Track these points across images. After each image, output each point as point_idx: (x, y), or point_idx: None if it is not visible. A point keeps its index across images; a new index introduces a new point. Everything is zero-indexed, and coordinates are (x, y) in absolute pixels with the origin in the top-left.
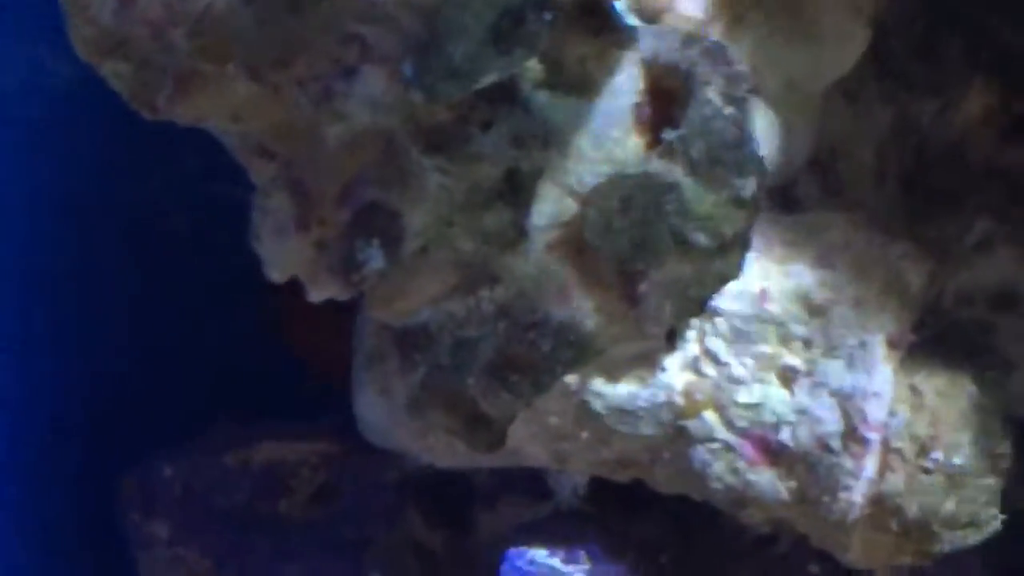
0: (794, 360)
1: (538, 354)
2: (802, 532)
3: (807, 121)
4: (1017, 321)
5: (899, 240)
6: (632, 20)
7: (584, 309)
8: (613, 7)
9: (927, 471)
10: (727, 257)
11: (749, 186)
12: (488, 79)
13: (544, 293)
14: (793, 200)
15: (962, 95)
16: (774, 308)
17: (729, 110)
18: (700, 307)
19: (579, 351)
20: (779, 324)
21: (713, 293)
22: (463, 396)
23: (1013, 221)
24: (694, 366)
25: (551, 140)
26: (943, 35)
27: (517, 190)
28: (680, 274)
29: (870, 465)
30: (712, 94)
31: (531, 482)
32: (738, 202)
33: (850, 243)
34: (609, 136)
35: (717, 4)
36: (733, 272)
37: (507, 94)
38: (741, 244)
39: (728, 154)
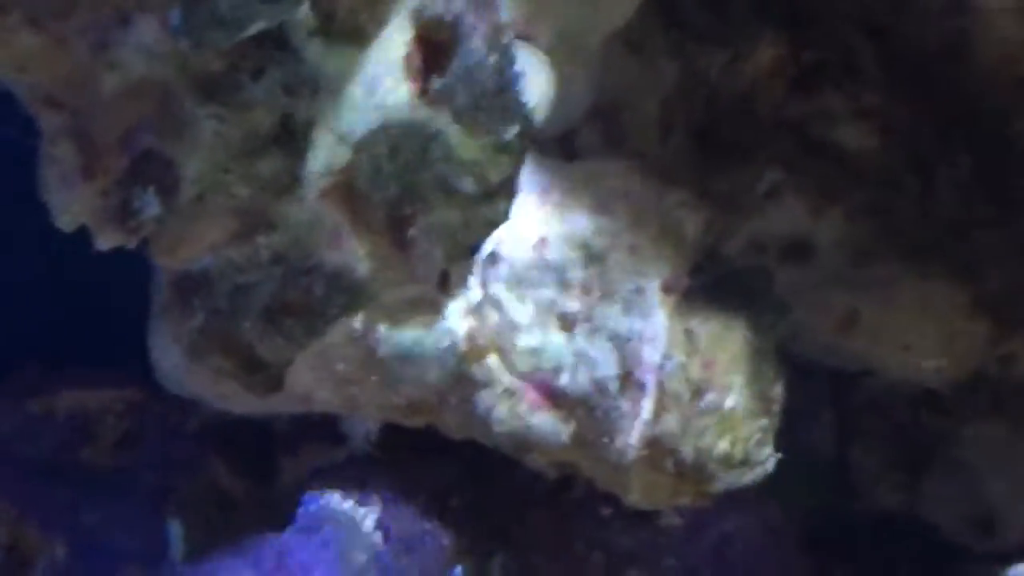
0: (573, 305)
1: (312, 299)
2: (587, 475)
3: (585, 72)
4: (799, 268)
5: (676, 188)
6: None
7: (356, 255)
8: None
9: (700, 413)
10: (493, 202)
11: (512, 133)
12: (255, 27)
13: (318, 239)
14: (574, 149)
15: (751, 47)
16: (553, 254)
17: (492, 58)
18: (470, 251)
19: (352, 296)
20: (558, 270)
21: (482, 238)
22: (239, 340)
23: (802, 171)
24: (476, 311)
25: (323, 88)
26: None
27: (291, 137)
28: (448, 219)
29: (646, 407)
30: (476, 43)
31: (329, 428)
32: (502, 148)
33: (628, 191)
34: (380, 85)
35: None
36: (500, 217)
37: (278, 43)
38: (507, 190)
39: (491, 101)
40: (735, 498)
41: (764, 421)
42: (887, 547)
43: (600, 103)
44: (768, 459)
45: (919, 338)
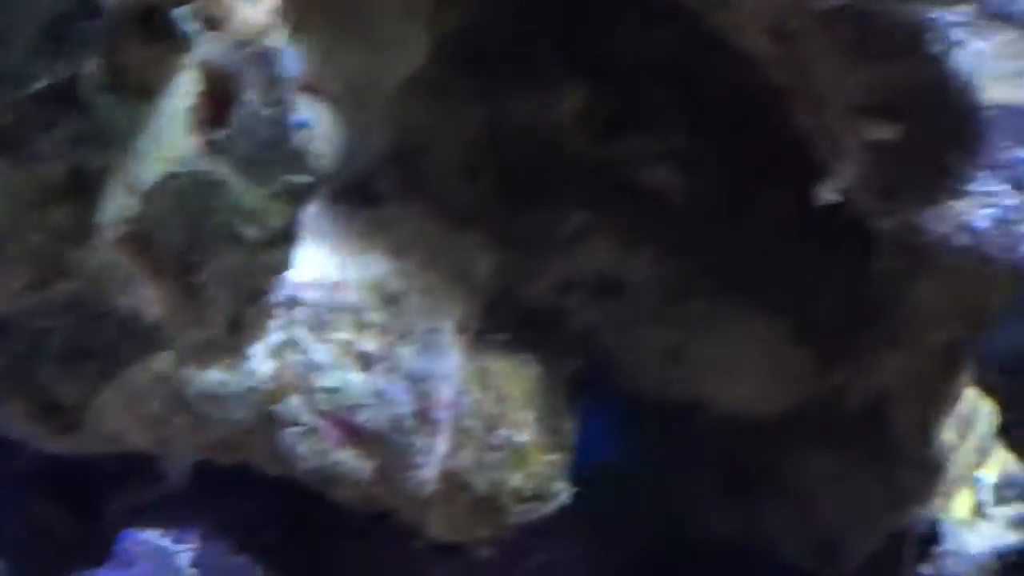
0: (370, 346)
1: (106, 343)
2: (392, 509)
3: (378, 120)
4: (614, 305)
5: (470, 231)
6: (193, 27)
7: (148, 300)
8: (170, 15)
9: (494, 448)
10: (276, 249)
11: (291, 181)
12: (40, 84)
13: (111, 285)
14: (372, 195)
15: (556, 96)
16: (350, 297)
17: (268, 111)
18: (257, 296)
19: (144, 340)
20: (355, 312)
21: (267, 283)
22: (38, 383)
23: (610, 212)
24: (279, 353)
25: (114, 140)
26: (536, 38)
27: (83, 188)
28: (233, 265)
29: (441, 443)
30: (254, 96)
31: (150, 466)
32: (282, 197)
33: (422, 235)
34: (167, 136)
35: (280, 11)
36: (284, 262)
37: (68, 97)
38: (289, 236)
39: (269, 152)
40: (554, 527)
41: (556, 456)
42: (723, 573)
43: (399, 149)
44: (560, 492)
45: (744, 371)
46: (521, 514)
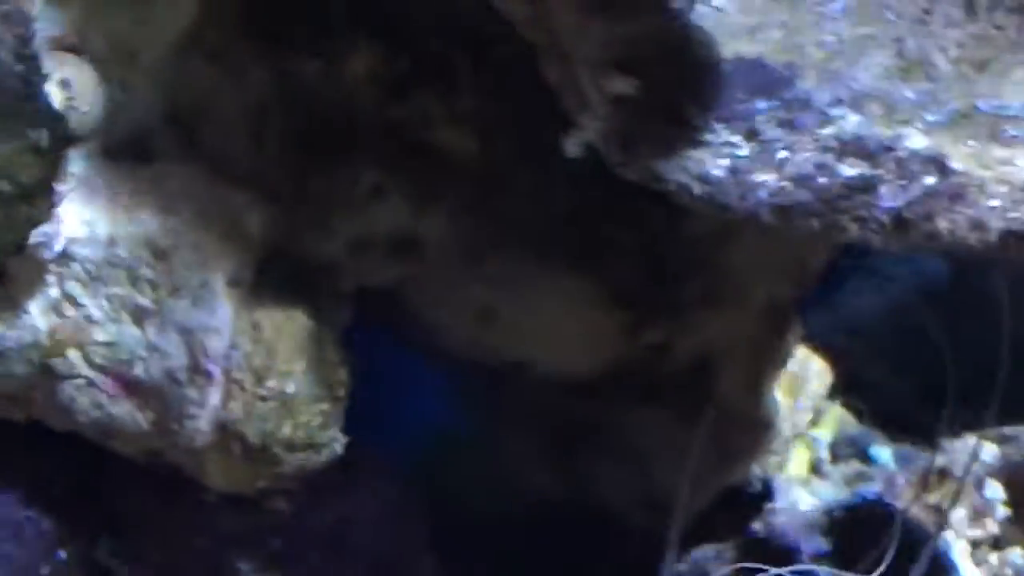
0: (144, 300)
1: None
2: (172, 462)
3: (152, 80)
4: (413, 265)
5: (245, 189)
6: None
7: None
8: None
9: (264, 398)
10: (33, 203)
11: (43, 137)
12: None
13: None
14: (146, 153)
15: (347, 55)
16: (123, 253)
17: (18, 67)
18: (16, 249)
19: None
20: (129, 268)
21: (25, 235)
22: None
23: (403, 172)
24: (56, 308)
25: None
26: None
27: None
28: None
29: (214, 395)
30: (3, 54)
31: None
32: (33, 152)
33: (195, 192)
34: None
35: None
36: (42, 216)
37: None
38: (44, 190)
39: (18, 107)
40: (356, 481)
41: (326, 406)
42: (548, 531)
43: (176, 108)
44: (334, 442)
45: (558, 331)
46: (295, 464)
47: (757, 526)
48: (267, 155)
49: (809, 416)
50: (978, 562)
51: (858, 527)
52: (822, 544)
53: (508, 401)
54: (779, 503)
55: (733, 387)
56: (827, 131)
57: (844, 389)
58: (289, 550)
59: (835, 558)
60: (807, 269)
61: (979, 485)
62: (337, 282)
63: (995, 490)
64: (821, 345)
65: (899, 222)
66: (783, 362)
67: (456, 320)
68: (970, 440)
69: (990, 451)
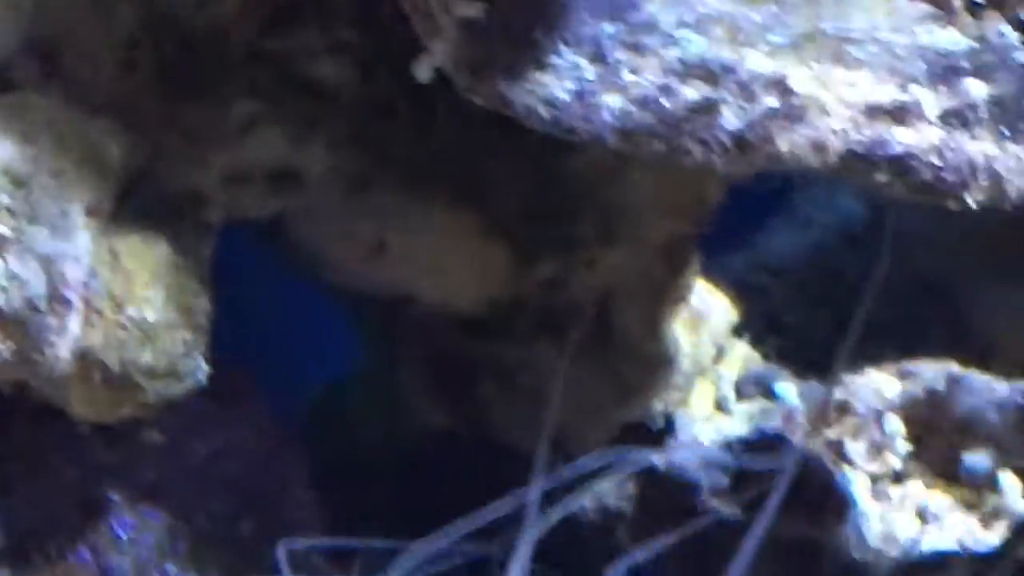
0: (2, 229)
1: None
2: (36, 391)
3: (9, 9)
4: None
5: (104, 118)
6: None
7: None
8: None
9: (123, 326)
10: None
11: None
12: None
13: None
14: (7, 83)
15: None
16: None
17: None
18: None
19: None
20: None
21: None
22: None
23: (281, 104)
24: None
25: None
26: None
27: None
28: None
29: (73, 323)
30: None
31: None
32: None
33: (54, 121)
34: None
35: None
36: None
37: None
38: None
39: None
40: (232, 413)
41: (187, 334)
42: (444, 465)
43: (39, 40)
44: (197, 370)
45: (446, 264)
46: (158, 392)
47: (658, 461)
48: (135, 86)
49: (712, 353)
50: (878, 496)
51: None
52: (721, 479)
53: (401, 335)
54: (680, 439)
55: (631, 323)
56: (671, 54)
57: (763, 328)
58: (162, 481)
59: (734, 493)
60: (703, 206)
61: (879, 420)
62: (201, 212)
63: (895, 425)
64: (741, 286)
65: (740, 144)
66: (682, 299)
67: (347, 254)
68: (871, 375)
69: (891, 386)
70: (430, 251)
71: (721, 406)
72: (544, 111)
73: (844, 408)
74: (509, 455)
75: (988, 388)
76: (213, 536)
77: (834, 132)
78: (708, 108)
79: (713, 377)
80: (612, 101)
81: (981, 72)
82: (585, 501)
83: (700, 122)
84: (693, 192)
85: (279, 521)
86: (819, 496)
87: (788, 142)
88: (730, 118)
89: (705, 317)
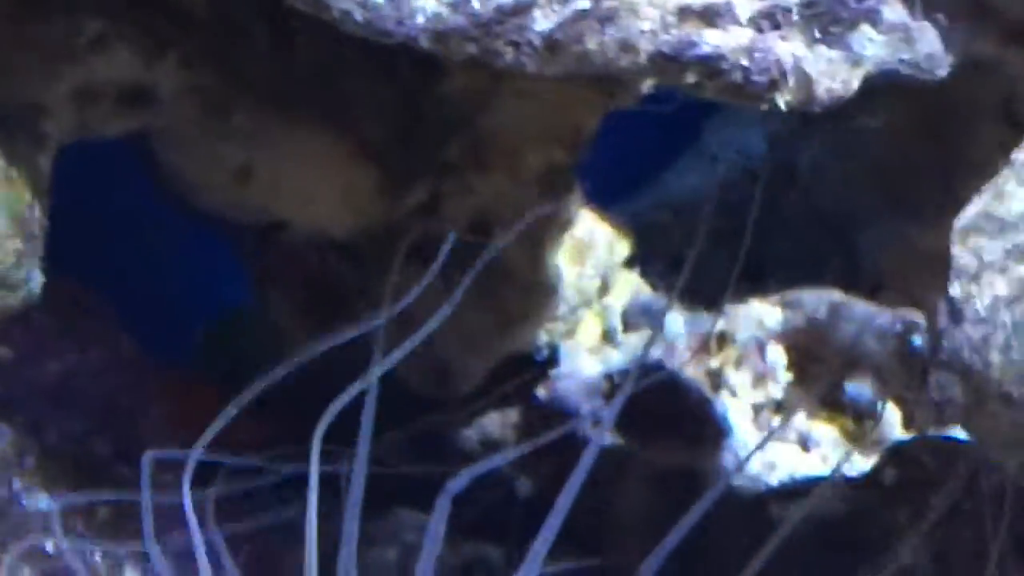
0: None
1: None
2: None
3: None
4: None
5: None
6: None
7: None
8: None
9: None
10: None
11: None
12: None
13: None
14: None
15: None
16: None
17: None
18: None
19: None
20: None
21: None
22: None
23: (129, 21)
24: None
25: None
26: None
27: None
28: None
29: None
30: None
31: None
32: None
33: None
34: None
35: None
36: None
37: None
38: None
39: None
40: (84, 332)
41: (19, 244)
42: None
43: None
44: (30, 281)
45: (315, 190)
46: None
47: (541, 392)
48: None
49: (597, 283)
50: (761, 426)
51: (638, 392)
52: (601, 408)
53: (274, 262)
54: (563, 369)
55: (511, 252)
56: None
57: (666, 265)
58: (10, 397)
59: (617, 422)
60: (581, 135)
61: (761, 350)
62: (40, 125)
63: (777, 354)
64: (647, 224)
65: (551, 45)
66: (564, 229)
67: (213, 178)
68: (754, 306)
69: (773, 316)
70: (297, 176)
71: (609, 337)
72: (359, 14)
73: (725, 338)
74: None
75: (869, 317)
76: (64, 453)
77: (643, 33)
78: (519, 10)
79: (600, 309)
80: (426, 4)
81: None
82: (468, 432)
83: (511, 24)
84: (569, 120)
85: (135, 441)
86: (697, 425)
87: (598, 43)
88: (541, 20)
89: (590, 247)
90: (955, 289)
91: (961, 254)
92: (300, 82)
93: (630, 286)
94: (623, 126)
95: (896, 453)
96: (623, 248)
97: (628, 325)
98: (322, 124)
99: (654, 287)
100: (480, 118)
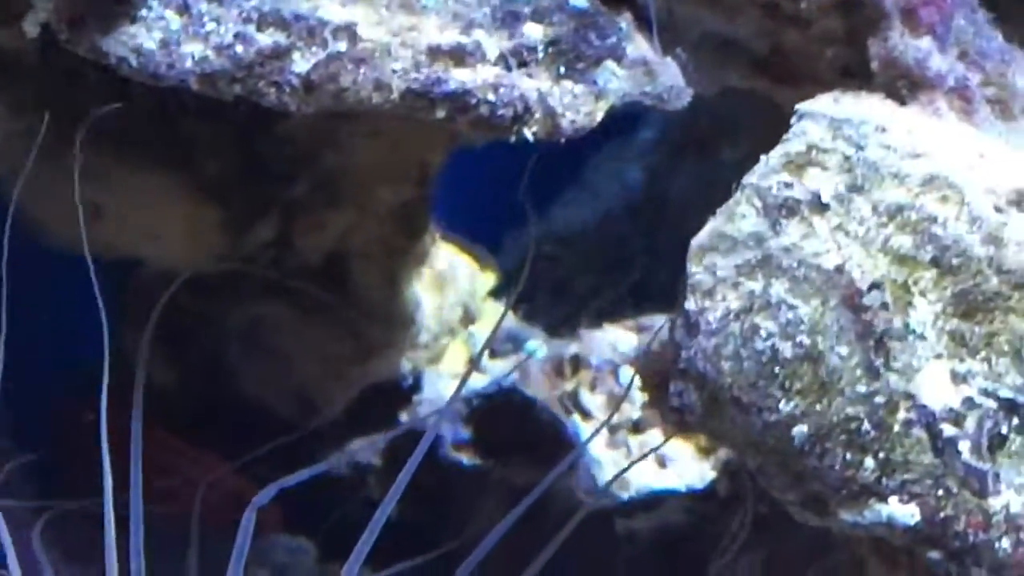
0: None
1: None
2: None
3: None
4: None
5: None
6: None
7: None
8: None
9: None
10: None
11: None
12: None
13: None
14: None
15: None
16: None
17: None
18: None
19: None
20: None
21: None
22: None
23: None
24: None
25: None
26: None
27: None
28: None
29: None
30: None
31: None
32: None
33: None
34: None
35: None
36: None
37: None
38: None
39: None
40: None
41: None
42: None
43: None
44: None
45: (160, 228)
46: None
47: (404, 416)
48: None
49: (459, 313)
50: (617, 445)
51: (494, 414)
52: (462, 431)
53: (130, 298)
54: (425, 395)
55: (368, 285)
56: (251, 4)
57: (553, 295)
58: None
59: (475, 444)
60: (428, 170)
61: (615, 372)
62: None
63: (630, 377)
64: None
65: (308, 85)
66: (420, 261)
67: (61, 217)
68: (608, 330)
69: (627, 340)
70: (144, 214)
71: (476, 365)
72: (134, 60)
73: (579, 361)
74: (253, 412)
75: None
76: None
77: (395, 72)
78: (279, 53)
79: (465, 337)
80: (194, 49)
81: (538, 15)
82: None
83: (272, 67)
84: (414, 158)
85: None
86: (550, 444)
87: (352, 82)
88: (299, 62)
89: (450, 279)
90: (690, 303)
91: (696, 271)
92: (138, 123)
93: (495, 315)
94: (506, 161)
95: (727, 465)
96: (486, 279)
97: (495, 352)
98: (162, 163)
99: (520, 316)
100: (327, 156)
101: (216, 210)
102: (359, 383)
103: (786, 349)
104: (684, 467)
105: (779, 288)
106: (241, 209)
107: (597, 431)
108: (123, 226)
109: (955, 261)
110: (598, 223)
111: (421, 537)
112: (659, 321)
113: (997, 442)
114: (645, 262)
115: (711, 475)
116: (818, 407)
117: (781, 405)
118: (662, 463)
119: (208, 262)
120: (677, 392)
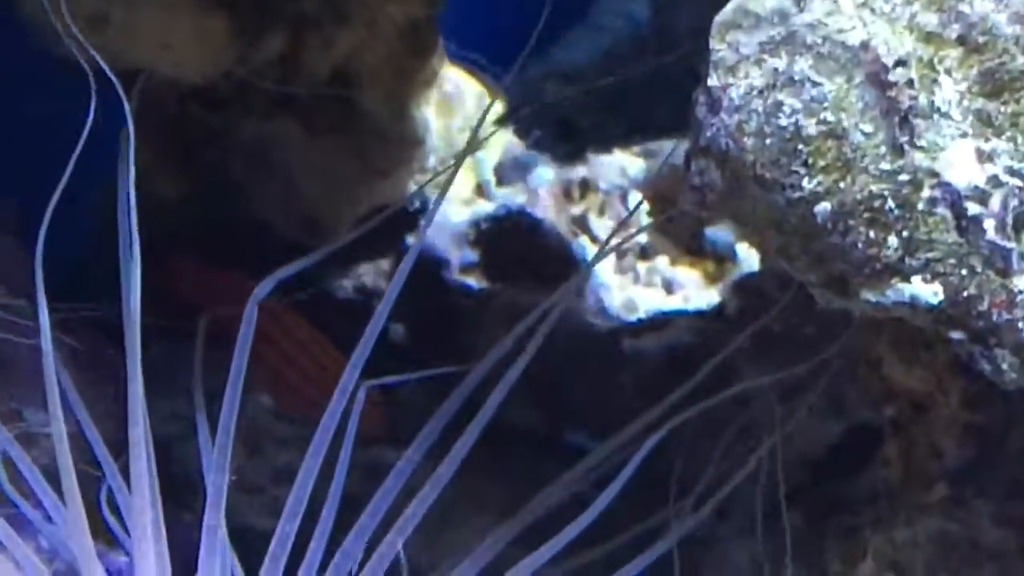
0: None
1: None
2: None
3: None
4: None
5: None
6: None
7: None
8: None
9: None
10: None
11: None
12: None
13: None
14: None
15: None
16: None
17: None
18: None
19: None
20: None
21: None
22: None
23: None
24: None
25: None
26: None
27: None
28: None
29: None
30: None
31: None
32: None
33: None
34: None
35: None
36: None
37: None
38: None
39: None
40: None
41: None
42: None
43: None
44: None
45: (169, 36)
46: None
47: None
48: None
49: (466, 136)
50: (625, 270)
51: (503, 237)
52: (470, 254)
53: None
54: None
55: (376, 104)
56: None
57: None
58: None
59: (482, 267)
60: None
61: (624, 197)
62: None
63: (639, 201)
64: (538, 93)
65: None
66: (428, 82)
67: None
68: (616, 155)
69: (635, 164)
70: (152, 23)
71: (483, 190)
72: None
73: (587, 185)
74: (256, 230)
75: None
76: None
77: None
78: None
79: (473, 163)
80: None
81: None
82: (344, 281)
83: None
84: None
85: None
86: (558, 266)
87: None
88: None
89: (458, 101)
90: (713, 80)
91: (719, 48)
92: None
93: (503, 142)
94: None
95: (740, 287)
96: (497, 106)
97: (502, 179)
98: None
99: (527, 143)
100: None
101: (224, 20)
102: (365, 204)
103: (810, 126)
104: (691, 293)
105: (803, 64)
106: (249, 19)
107: (603, 253)
108: (130, 35)
109: (981, 39)
110: (601, 59)
111: (428, 359)
112: (667, 146)
113: (1022, 221)
114: (650, 94)
115: (718, 300)
116: (842, 184)
117: (804, 182)
118: (669, 289)
119: (217, 73)
120: (698, 170)
